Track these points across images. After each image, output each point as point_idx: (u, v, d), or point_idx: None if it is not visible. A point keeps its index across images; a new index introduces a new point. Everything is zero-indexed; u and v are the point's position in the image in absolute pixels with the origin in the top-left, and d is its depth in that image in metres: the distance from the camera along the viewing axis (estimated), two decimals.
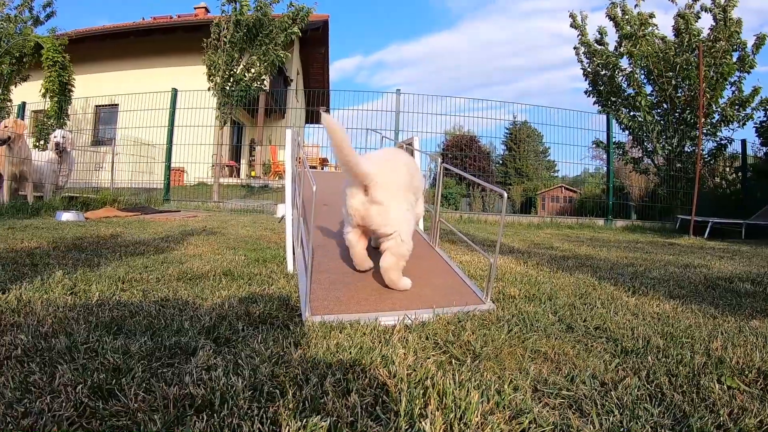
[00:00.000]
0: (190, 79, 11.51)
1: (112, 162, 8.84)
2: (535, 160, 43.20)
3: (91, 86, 12.84)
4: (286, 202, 2.54)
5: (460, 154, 18.72)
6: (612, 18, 10.53)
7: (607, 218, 9.57)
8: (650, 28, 10.12)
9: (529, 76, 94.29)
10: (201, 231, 4.28)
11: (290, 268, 2.34)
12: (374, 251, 1.97)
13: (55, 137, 6.60)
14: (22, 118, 10.21)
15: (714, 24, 9.55)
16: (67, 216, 4.94)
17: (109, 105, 13.15)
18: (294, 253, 2.31)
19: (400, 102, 9.38)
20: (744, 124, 9.69)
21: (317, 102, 17.33)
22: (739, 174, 10.38)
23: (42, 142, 10.79)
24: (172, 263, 2.42)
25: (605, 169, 10.38)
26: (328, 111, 16.17)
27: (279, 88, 16.58)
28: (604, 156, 11.02)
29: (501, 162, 43.71)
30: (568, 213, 15.15)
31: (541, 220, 9.34)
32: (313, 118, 13.05)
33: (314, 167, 15.46)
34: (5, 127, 5.78)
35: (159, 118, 9.59)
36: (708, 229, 7.62)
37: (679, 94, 9.89)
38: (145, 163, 10.20)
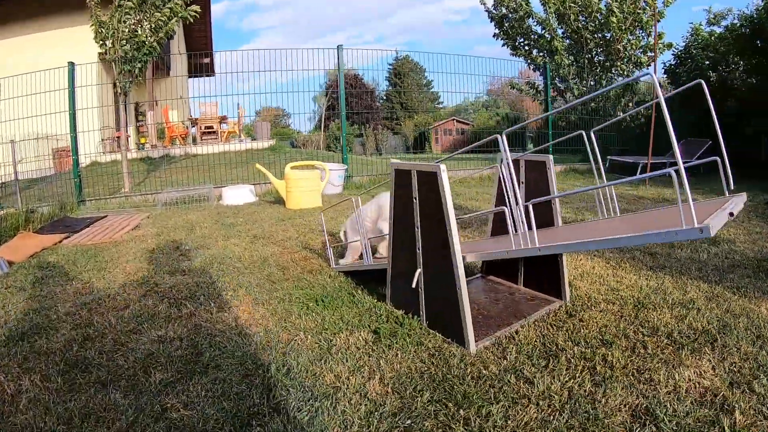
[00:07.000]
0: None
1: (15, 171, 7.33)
2: (419, 93, 43.45)
3: None
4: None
5: (345, 92, 18.27)
6: None
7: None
8: None
9: (405, 8, 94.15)
10: (186, 259, 3.62)
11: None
12: None
13: None
14: None
15: None
16: None
17: None
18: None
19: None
20: (649, 65, 10.46)
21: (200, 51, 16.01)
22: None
23: None
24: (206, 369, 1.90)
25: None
26: (211, 59, 14.79)
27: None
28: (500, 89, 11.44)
29: (386, 98, 43.49)
30: (461, 146, 15.13)
31: (492, 173, 9.30)
32: (198, 69, 12.35)
33: (211, 128, 14.22)
34: None
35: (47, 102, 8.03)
36: (639, 170, 8.02)
37: (594, 38, 10.33)
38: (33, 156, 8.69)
